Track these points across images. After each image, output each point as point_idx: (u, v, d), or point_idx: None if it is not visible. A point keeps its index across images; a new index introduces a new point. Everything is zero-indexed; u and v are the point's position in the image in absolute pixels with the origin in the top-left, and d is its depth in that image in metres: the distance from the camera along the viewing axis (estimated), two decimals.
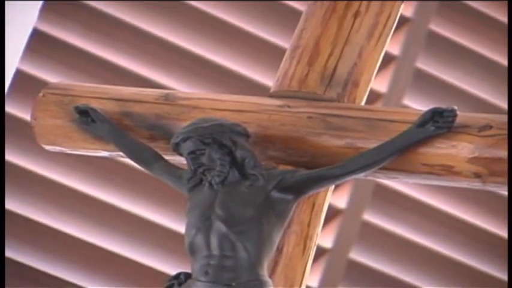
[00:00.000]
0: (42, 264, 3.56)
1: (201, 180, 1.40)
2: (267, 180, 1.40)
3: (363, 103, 1.66)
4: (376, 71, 1.69)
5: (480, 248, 4.04)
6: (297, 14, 4.23)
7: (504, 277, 3.88)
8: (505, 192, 1.63)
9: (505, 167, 1.38)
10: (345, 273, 3.89)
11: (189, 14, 4.56)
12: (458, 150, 1.40)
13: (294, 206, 1.44)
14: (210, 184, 1.39)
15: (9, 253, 3.26)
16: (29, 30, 3.63)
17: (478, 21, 4.58)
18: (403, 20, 4.67)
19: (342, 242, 3.86)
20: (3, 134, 2.97)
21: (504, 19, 4.74)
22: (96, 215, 3.67)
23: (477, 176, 1.40)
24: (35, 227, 3.58)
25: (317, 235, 1.57)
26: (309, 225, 1.53)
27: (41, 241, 3.60)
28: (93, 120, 1.57)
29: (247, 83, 4.44)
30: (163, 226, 3.67)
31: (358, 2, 1.63)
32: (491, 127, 1.40)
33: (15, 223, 3.46)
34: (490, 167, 1.39)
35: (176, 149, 1.43)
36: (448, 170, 1.43)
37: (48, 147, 1.69)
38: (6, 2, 3.17)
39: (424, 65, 4.68)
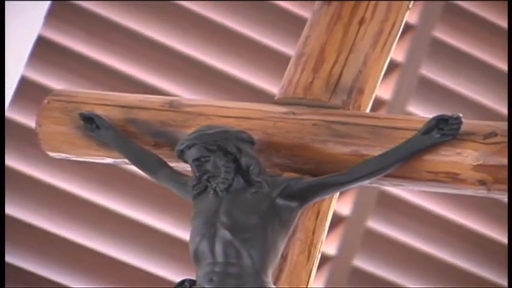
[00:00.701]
0: (43, 270, 3.56)
1: (206, 187, 1.40)
2: (271, 188, 1.40)
3: (367, 110, 1.66)
4: (381, 78, 1.69)
5: (483, 254, 4.04)
6: (302, 21, 4.23)
7: (504, 283, 3.88)
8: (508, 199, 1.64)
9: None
10: (348, 280, 3.89)
11: (195, 22, 4.57)
12: (463, 157, 1.40)
13: (299, 213, 1.44)
14: (215, 191, 1.39)
15: (10, 259, 3.26)
16: (34, 37, 3.63)
17: (482, 28, 4.57)
18: (407, 27, 4.67)
19: (346, 249, 3.85)
20: (3, 140, 2.97)
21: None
22: (98, 221, 3.67)
23: (482, 183, 1.40)
24: (36, 232, 3.58)
25: (322, 242, 1.56)
26: (313, 232, 1.53)
27: (42, 247, 3.60)
28: (97, 127, 1.57)
29: (252, 89, 4.45)
30: (167, 232, 3.67)
31: (363, 9, 1.63)
32: (496, 134, 1.40)
33: (17, 229, 3.47)
34: (494, 175, 1.39)
35: (181, 156, 1.43)
36: (453, 178, 1.43)
37: (52, 154, 1.69)
38: (11, 8, 3.18)
39: (428, 72, 4.68)
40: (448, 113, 1.41)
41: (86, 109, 1.60)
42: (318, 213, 1.53)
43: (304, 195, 1.42)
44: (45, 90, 2.45)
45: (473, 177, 1.40)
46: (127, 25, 4.32)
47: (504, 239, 3.97)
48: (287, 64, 1.73)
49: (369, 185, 1.52)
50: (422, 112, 4.59)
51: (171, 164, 1.52)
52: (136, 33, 4.40)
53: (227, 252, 1.35)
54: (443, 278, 4.02)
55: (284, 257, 1.47)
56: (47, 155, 1.73)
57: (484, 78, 4.69)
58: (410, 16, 4.55)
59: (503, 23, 4.63)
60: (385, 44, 1.66)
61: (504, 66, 4.61)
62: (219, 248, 1.35)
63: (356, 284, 3.95)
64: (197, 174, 1.41)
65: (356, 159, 1.48)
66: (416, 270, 4.07)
